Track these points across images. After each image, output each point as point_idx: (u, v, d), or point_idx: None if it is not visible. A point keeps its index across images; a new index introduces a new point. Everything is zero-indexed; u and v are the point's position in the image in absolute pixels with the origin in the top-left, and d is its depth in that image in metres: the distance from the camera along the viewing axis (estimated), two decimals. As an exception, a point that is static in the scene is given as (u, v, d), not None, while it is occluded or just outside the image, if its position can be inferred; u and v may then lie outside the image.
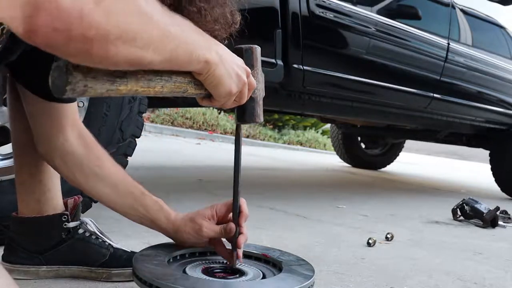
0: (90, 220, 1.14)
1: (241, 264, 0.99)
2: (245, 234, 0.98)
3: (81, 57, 0.57)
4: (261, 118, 0.91)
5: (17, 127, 1.06)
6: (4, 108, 1.29)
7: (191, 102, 2.72)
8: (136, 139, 1.52)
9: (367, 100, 2.70)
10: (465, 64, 3.18)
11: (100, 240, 1.11)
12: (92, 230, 1.12)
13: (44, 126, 0.99)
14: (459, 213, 2.53)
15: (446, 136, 4.24)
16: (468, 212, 2.48)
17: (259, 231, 1.75)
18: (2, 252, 1.11)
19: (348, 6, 2.37)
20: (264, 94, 0.92)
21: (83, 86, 0.61)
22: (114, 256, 1.10)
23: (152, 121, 7.23)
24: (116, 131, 1.44)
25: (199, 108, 7.51)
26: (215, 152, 5.60)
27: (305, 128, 9.74)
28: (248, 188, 2.80)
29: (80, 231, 1.10)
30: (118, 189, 1.00)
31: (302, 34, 2.16)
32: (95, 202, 1.40)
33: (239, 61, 0.81)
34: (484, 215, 2.39)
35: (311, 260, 1.07)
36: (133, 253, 1.09)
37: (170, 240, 1.05)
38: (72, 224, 1.09)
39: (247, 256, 1.04)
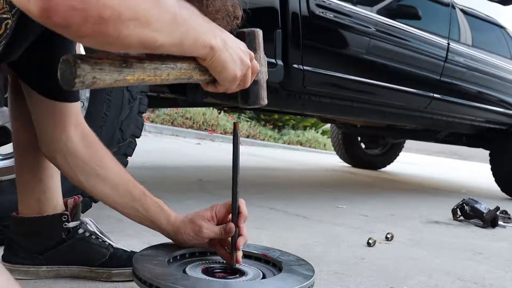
0: (90, 220, 1.14)
1: (241, 264, 0.99)
2: (244, 236, 0.98)
3: (96, 38, 0.58)
4: (265, 101, 0.91)
5: (18, 127, 1.07)
6: (4, 108, 1.28)
7: (191, 102, 2.72)
8: (136, 139, 1.52)
9: (367, 100, 2.70)
10: (465, 64, 3.17)
11: (100, 240, 1.11)
12: (92, 230, 1.12)
13: (48, 125, 0.99)
14: (459, 213, 2.53)
15: (446, 136, 4.24)
16: (468, 212, 2.48)
17: (259, 231, 1.75)
18: (2, 252, 1.11)
19: (348, 6, 2.37)
20: (267, 77, 0.93)
21: (92, 78, 0.62)
22: (114, 256, 1.10)
23: (152, 121, 7.23)
24: (116, 131, 1.45)
25: (199, 108, 7.51)
26: (215, 152, 5.60)
27: (305, 128, 9.74)
28: (248, 188, 2.81)
29: (80, 231, 1.10)
30: (119, 190, 1.00)
31: (302, 34, 2.16)
32: (95, 202, 1.40)
33: (242, 45, 0.82)
34: (484, 215, 2.39)
35: (311, 260, 1.07)
36: (133, 253, 1.09)
37: (170, 240, 1.05)
38: (72, 224, 1.09)
39: (247, 256, 1.04)
